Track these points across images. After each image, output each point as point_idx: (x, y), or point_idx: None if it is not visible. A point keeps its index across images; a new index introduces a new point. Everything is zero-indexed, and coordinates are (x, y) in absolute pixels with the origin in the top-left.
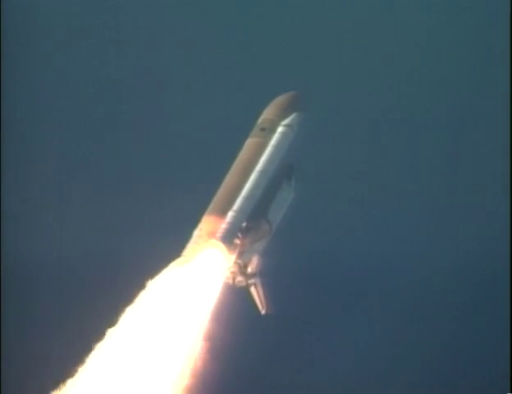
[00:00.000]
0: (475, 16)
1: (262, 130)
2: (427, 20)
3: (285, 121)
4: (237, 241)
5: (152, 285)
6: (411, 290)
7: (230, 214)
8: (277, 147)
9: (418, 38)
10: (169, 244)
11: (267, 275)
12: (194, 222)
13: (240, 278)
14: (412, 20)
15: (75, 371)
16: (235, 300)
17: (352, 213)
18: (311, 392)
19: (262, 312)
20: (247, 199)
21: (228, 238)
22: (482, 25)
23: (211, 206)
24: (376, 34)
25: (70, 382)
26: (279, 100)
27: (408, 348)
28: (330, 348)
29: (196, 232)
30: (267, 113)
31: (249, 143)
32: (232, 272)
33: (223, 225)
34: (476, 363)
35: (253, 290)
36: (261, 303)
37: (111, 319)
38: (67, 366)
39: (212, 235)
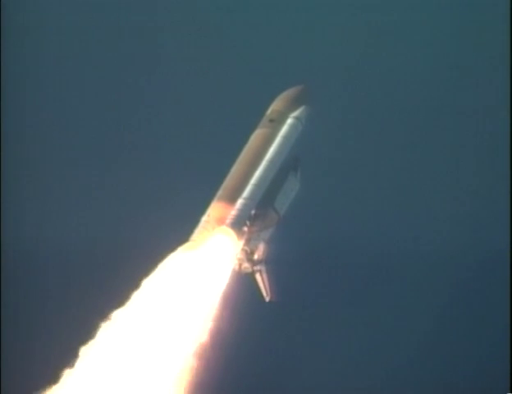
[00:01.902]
0: (475, 15)
1: (271, 121)
2: (432, 13)
3: (294, 114)
4: (245, 228)
5: (161, 268)
6: (413, 282)
7: (240, 201)
8: (286, 138)
9: (424, 32)
10: (176, 229)
11: (272, 262)
12: (201, 209)
13: (246, 265)
14: (417, 15)
15: (83, 351)
16: (241, 285)
17: (356, 204)
18: (312, 377)
19: (267, 299)
20: (256, 187)
21: (238, 225)
22: (482, 24)
23: (219, 193)
24: (381, 29)
25: (79, 360)
26: (288, 93)
27: (408, 347)
28: (332, 335)
29: (204, 218)
30: (276, 105)
31: (258, 133)
32: (239, 259)
33: (233, 211)
34: (476, 363)
35: (258, 276)
36: (265, 290)
37: (120, 302)
38: (76, 345)
39: (220, 221)
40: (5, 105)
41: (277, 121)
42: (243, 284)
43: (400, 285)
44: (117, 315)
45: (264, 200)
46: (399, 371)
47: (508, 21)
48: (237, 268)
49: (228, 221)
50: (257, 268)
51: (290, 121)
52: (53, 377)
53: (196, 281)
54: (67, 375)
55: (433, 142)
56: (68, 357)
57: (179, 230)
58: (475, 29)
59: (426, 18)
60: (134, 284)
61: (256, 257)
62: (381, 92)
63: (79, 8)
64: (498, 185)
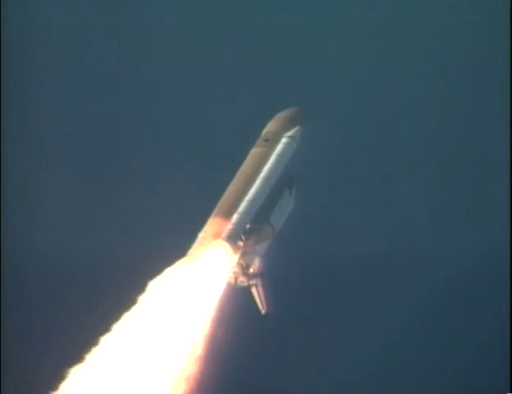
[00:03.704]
0: (475, 15)
1: (266, 141)
2: (426, 29)
3: (289, 133)
4: (240, 243)
5: (157, 281)
6: (409, 292)
7: (236, 216)
8: (281, 156)
9: (417, 49)
10: (174, 246)
11: (268, 276)
12: (199, 225)
13: (242, 278)
14: (410, 29)
15: (76, 365)
16: (237, 299)
17: (351, 219)
18: (308, 390)
19: (263, 312)
20: (251, 202)
21: (233, 238)
22: (482, 25)
23: (216, 209)
24: (373, 46)
25: (76, 371)
26: (282, 114)
27: (407, 348)
28: (329, 347)
29: (201, 234)
30: (271, 126)
31: (254, 152)
32: (235, 272)
33: (228, 226)
34: (476, 363)
35: (254, 290)
36: (261, 303)
37: (116, 315)
38: (69, 362)
39: (216, 236)
40: (5, 107)
41: (272, 141)
42: (239, 297)
43: (397, 296)
44: (114, 328)
45: (260, 216)
46: (398, 372)
47: (508, 21)
48: (233, 281)
49: (224, 234)
50: (252, 281)
51: (284, 140)
52: (51, 387)
53: (192, 293)
54: (65, 384)
55: (430, 151)
56: (65, 369)
57: (177, 246)
58: (475, 29)
59: (421, 30)
60: (131, 298)
61: (251, 271)
62: (375, 110)
63: (79, 7)
64: (498, 184)
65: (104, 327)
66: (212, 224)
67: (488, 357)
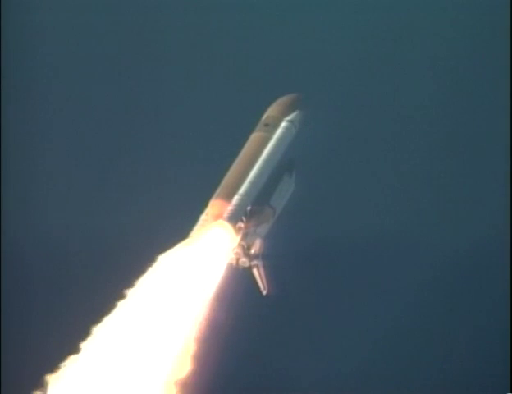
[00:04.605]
0: (475, 15)
1: (267, 125)
2: (428, 19)
3: (288, 118)
4: (241, 224)
5: (159, 263)
6: (411, 276)
7: (237, 197)
8: (281, 139)
9: (418, 36)
10: (176, 229)
11: (269, 257)
12: (201, 208)
13: (243, 259)
14: (412, 19)
15: (81, 346)
16: (239, 279)
17: (351, 201)
18: (309, 374)
19: (264, 292)
20: (252, 184)
21: (234, 219)
22: (482, 24)
23: (217, 192)
24: (375, 35)
25: (76, 356)
26: (282, 100)
27: (407, 346)
28: (327, 328)
29: (202, 217)
30: (271, 111)
31: (254, 136)
32: (236, 254)
33: (230, 207)
34: (476, 362)
35: (255, 271)
36: (262, 283)
37: (117, 297)
38: (74, 341)
39: (217, 217)
40: (5, 105)
41: (272, 125)
42: (241, 278)
43: (396, 280)
44: (116, 308)
45: (260, 198)
46: (397, 370)
47: (508, 21)
48: (235, 262)
49: (225, 215)
50: (254, 262)
51: (284, 124)
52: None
53: (194, 273)
54: (63, 372)
55: (431, 143)
56: (65, 354)
57: (179, 229)
58: (475, 30)
59: (423, 19)
60: (133, 280)
61: (253, 252)
62: (377, 94)
63: (80, 8)
64: (498, 183)
65: (105, 310)
66: (214, 206)
67: (488, 356)
